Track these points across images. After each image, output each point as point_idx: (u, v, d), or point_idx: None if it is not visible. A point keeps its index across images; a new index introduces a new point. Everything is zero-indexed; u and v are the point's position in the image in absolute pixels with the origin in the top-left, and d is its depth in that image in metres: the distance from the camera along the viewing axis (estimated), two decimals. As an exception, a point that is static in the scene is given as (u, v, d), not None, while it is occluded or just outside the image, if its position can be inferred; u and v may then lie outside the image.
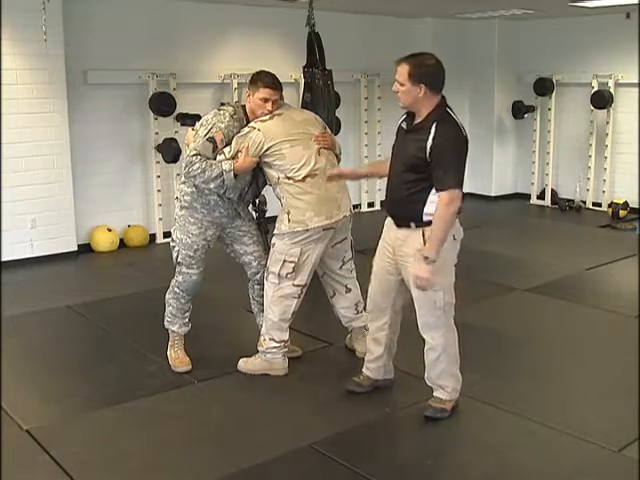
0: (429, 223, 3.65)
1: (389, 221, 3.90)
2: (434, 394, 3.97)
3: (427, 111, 3.66)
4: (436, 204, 3.61)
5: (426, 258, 3.60)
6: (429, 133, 3.59)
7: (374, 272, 4.03)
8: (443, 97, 3.72)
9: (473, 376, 4.44)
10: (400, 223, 3.79)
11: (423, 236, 3.67)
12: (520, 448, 3.66)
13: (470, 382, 4.34)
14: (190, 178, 4.26)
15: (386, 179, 3.91)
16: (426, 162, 3.60)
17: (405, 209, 3.75)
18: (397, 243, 3.81)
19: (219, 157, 4.23)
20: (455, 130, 3.67)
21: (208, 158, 4.20)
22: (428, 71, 3.63)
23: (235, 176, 4.20)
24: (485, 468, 3.49)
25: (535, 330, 5.32)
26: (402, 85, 3.64)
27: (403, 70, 3.63)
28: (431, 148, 3.57)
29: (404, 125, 3.81)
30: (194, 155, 4.19)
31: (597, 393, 4.31)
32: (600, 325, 5.46)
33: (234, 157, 4.22)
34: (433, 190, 3.64)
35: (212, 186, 4.23)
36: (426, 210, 3.66)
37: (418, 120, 3.71)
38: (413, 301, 3.87)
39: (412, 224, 3.72)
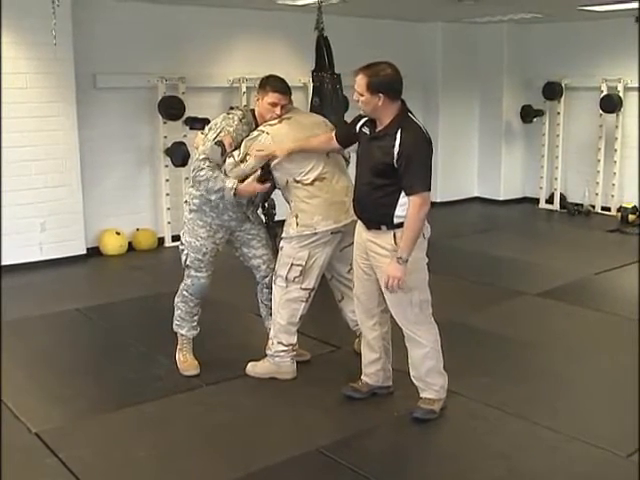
0: (399, 225, 3.72)
1: (360, 223, 3.96)
2: (422, 395, 3.99)
3: (389, 118, 3.73)
4: (406, 207, 3.67)
5: (399, 258, 3.66)
6: (394, 140, 3.66)
7: (355, 275, 4.10)
8: (403, 102, 3.78)
9: (481, 380, 4.44)
10: (370, 226, 3.86)
11: (394, 237, 3.74)
12: (527, 453, 3.65)
13: (478, 386, 4.34)
14: (196, 183, 4.27)
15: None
16: (393, 168, 3.67)
17: (375, 213, 3.81)
18: (368, 245, 3.87)
19: (228, 160, 4.23)
20: (419, 135, 3.74)
21: (217, 162, 4.21)
22: (385, 80, 3.69)
23: (235, 195, 4.21)
24: (492, 473, 3.48)
25: (544, 334, 5.31)
26: (361, 95, 3.73)
27: (361, 81, 3.72)
28: (398, 155, 3.64)
29: (366, 131, 3.87)
30: (203, 159, 4.20)
31: (606, 398, 4.29)
32: (609, 330, 5.44)
33: (243, 160, 4.22)
34: (402, 193, 3.71)
35: (212, 198, 4.25)
36: (397, 213, 3.73)
37: (381, 127, 3.78)
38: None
39: (383, 227, 3.79)
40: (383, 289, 3.86)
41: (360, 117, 3.94)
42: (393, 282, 3.69)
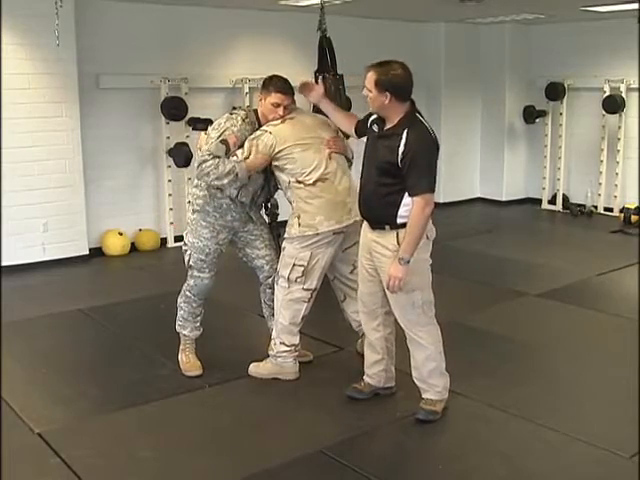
0: (403, 225, 3.72)
1: (365, 223, 3.97)
2: (424, 396, 3.99)
3: (397, 117, 3.74)
4: (410, 207, 3.67)
5: (401, 259, 3.66)
6: (400, 139, 3.66)
7: (359, 276, 4.11)
8: (412, 102, 3.78)
9: (483, 381, 4.44)
10: (374, 225, 3.86)
11: (397, 237, 3.74)
12: (530, 454, 3.65)
13: (480, 387, 4.34)
14: (203, 176, 4.18)
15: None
16: (398, 167, 3.67)
17: (379, 212, 3.81)
18: (372, 245, 3.88)
19: (232, 159, 4.23)
20: (425, 136, 3.74)
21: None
22: (393, 80, 3.69)
23: (246, 171, 4.19)
24: (495, 474, 3.48)
25: (546, 335, 5.30)
26: (370, 91, 3.74)
27: (370, 77, 3.73)
28: (403, 154, 3.64)
29: (375, 128, 3.88)
30: (207, 155, 4.19)
31: (608, 399, 4.28)
32: (611, 330, 5.43)
33: (246, 159, 4.22)
34: (406, 194, 3.71)
35: (225, 181, 4.16)
36: (400, 213, 3.74)
37: (389, 126, 3.78)
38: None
39: (387, 226, 3.79)
40: (385, 290, 3.86)
41: (371, 114, 3.95)
42: (394, 282, 3.70)
